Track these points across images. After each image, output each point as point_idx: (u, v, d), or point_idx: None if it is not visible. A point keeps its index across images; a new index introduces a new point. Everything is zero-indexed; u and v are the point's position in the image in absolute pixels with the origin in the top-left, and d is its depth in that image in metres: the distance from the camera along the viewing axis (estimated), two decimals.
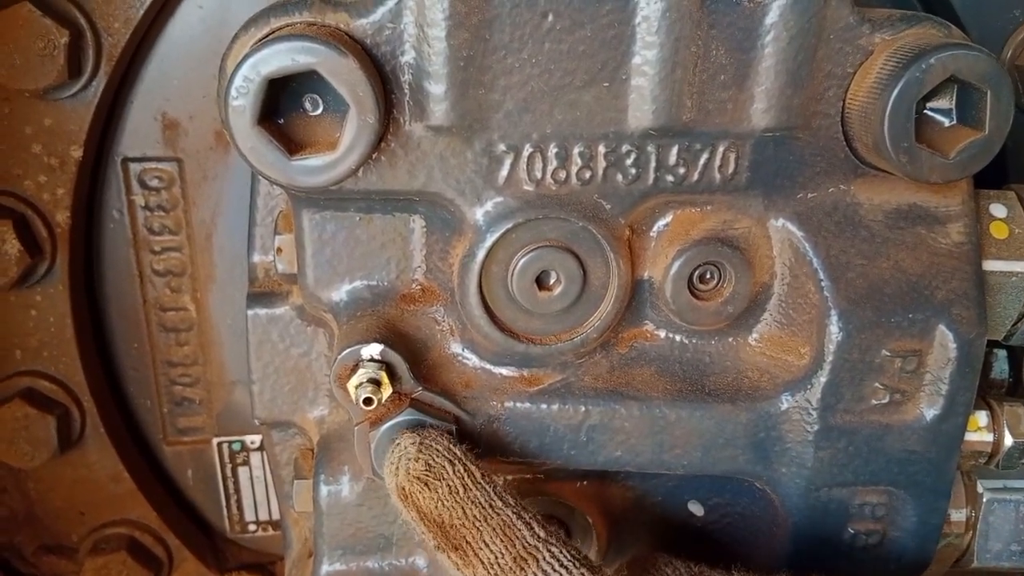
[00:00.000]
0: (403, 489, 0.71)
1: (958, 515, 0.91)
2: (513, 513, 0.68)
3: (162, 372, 1.12)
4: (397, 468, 0.72)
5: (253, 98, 0.64)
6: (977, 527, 0.91)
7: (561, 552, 0.65)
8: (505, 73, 0.68)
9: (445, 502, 0.69)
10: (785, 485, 0.81)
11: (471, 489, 0.70)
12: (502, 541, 0.66)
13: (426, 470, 0.71)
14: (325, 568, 0.86)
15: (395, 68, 0.68)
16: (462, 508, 0.68)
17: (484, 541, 0.66)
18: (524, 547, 0.65)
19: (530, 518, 0.68)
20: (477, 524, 0.67)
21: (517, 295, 0.76)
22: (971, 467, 0.90)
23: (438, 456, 0.72)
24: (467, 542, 0.67)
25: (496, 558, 0.65)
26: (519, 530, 0.66)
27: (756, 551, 0.86)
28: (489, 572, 0.66)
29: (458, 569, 0.68)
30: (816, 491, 0.80)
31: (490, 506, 0.68)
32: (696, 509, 0.89)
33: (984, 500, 0.90)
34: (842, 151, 0.75)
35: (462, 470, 0.71)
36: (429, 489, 0.70)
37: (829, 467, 0.79)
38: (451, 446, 0.73)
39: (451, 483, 0.70)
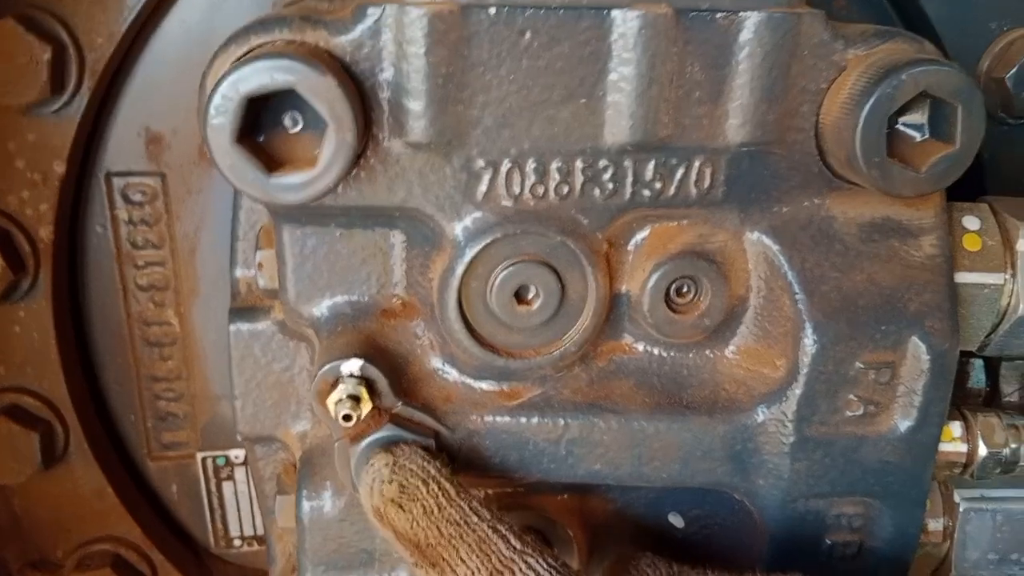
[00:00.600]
0: (378, 510, 0.72)
1: (935, 524, 0.92)
2: (489, 527, 0.68)
3: (146, 387, 1.12)
4: (372, 489, 0.73)
5: (232, 116, 0.64)
6: (955, 536, 0.92)
7: (538, 562, 0.66)
8: (484, 90, 0.69)
9: (420, 522, 0.69)
10: (762, 497, 0.81)
11: (445, 508, 0.70)
12: (478, 557, 0.66)
13: (400, 492, 0.71)
14: None
15: (374, 85, 0.69)
16: (437, 527, 0.69)
17: (460, 558, 0.67)
18: (500, 560, 0.66)
19: (506, 531, 0.68)
20: (453, 542, 0.68)
21: (496, 309, 0.76)
22: (947, 477, 0.91)
23: (411, 476, 0.72)
24: (444, 559, 0.67)
25: (473, 573, 0.66)
26: (495, 544, 0.67)
27: (735, 562, 0.87)
28: None
29: None
30: (793, 502, 0.81)
31: (465, 523, 0.69)
32: (676, 521, 0.90)
33: (961, 509, 0.91)
34: (816, 165, 0.76)
35: (436, 488, 0.71)
36: (403, 510, 0.70)
37: (805, 478, 0.80)
38: (425, 464, 0.73)
39: (425, 503, 0.70)
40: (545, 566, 0.65)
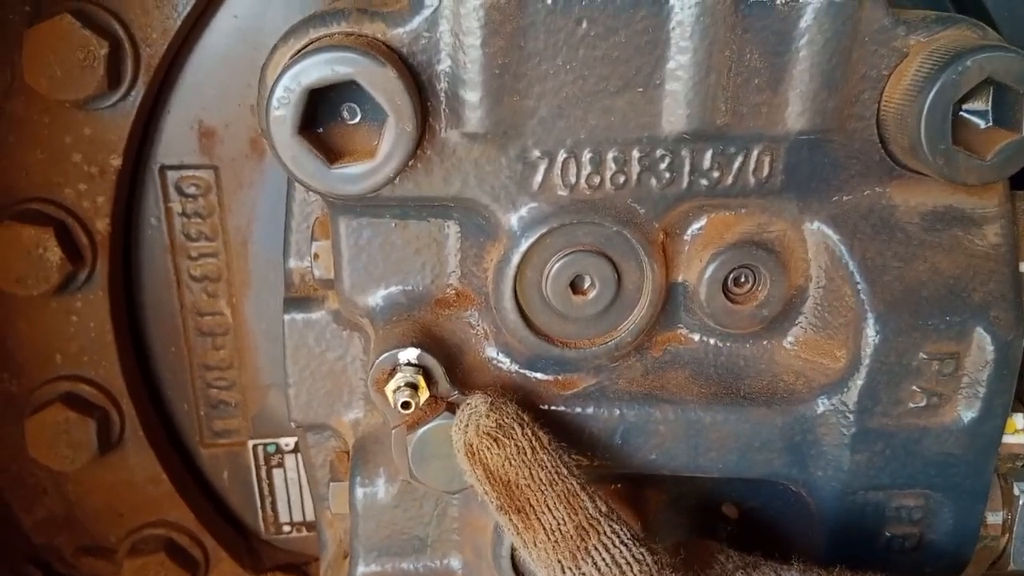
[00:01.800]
0: (471, 446, 0.71)
1: (994, 518, 0.90)
2: (578, 483, 0.68)
3: (199, 376, 1.14)
4: (467, 425, 0.72)
5: (294, 108, 0.64)
6: (1014, 530, 0.90)
7: (622, 529, 0.65)
8: (540, 80, 0.69)
9: (513, 461, 0.69)
10: (821, 488, 0.80)
11: (539, 452, 0.70)
12: (565, 508, 0.66)
13: (496, 427, 0.71)
14: (361, 569, 0.87)
15: (431, 76, 0.69)
16: (529, 469, 0.68)
17: (548, 505, 0.66)
18: (587, 518, 0.65)
19: (593, 492, 0.68)
20: (542, 488, 0.67)
21: (552, 299, 0.76)
22: (1008, 469, 0.89)
23: (507, 417, 0.72)
24: (531, 505, 0.67)
25: (558, 524, 0.66)
26: (583, 500, 0.67)
27: (791, 554, 0.86)
28: (549, 538, 0.66)
29: (518, 533, 0.68)
30: (852, 494, 0.80)
31: (556, 472, 0.69)
32: (731, 512, 0.89)
33: (1021, 503, 0.89)
34: (877, 153, 0.75)
35: (531, 433, 0.71)
36: (498, 446, 0.70)
37: (865, 470, 0.79)
38: (519, 411, 0.74)
39: (519, 443, 0.70)
40: (628, 535, 0.65)
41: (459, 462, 0.73)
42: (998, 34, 0.75)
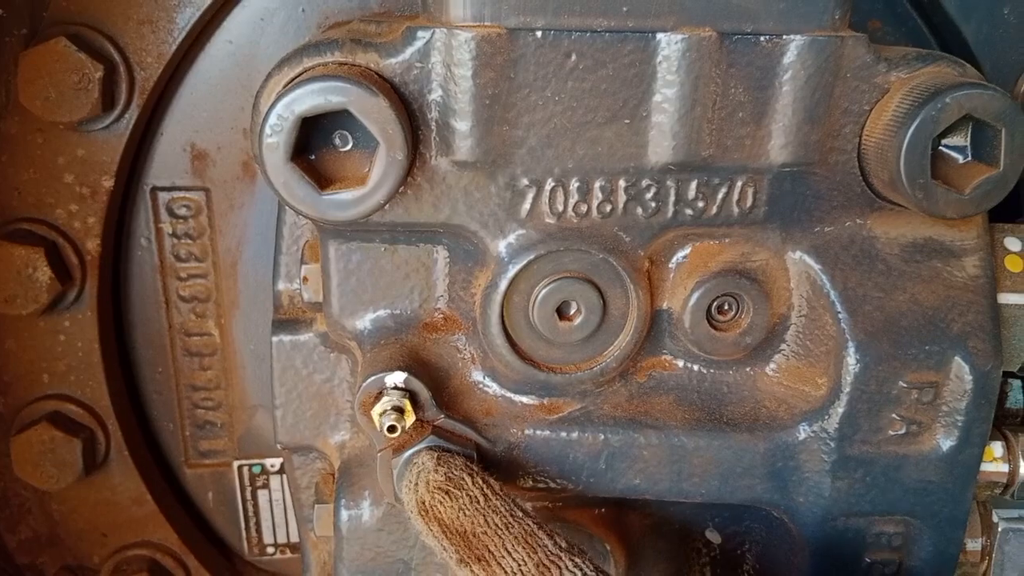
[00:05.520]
0: (423, 503, 0.72)
1: (973, 545, 0.91)
2: (534, 523, 0.68)
3: (185, 396, 1.14)
4: (416, 484, 0.73)
5: (286, 136, 0.66)
6: (992, 556, 0.91)
7: (584, 562, 0.65)
8: (529, 110, 0.70)
9: (467, 511, 0.69)
10: (802, 514, 0.81)
11: (491, 499, 0.70)
12: (524, 549, 0.66)
13: (446, 480, 0.72)
14: None
15: (423, 105, 0.70)
16: (484, 516, 0.69)
17: (507, 549, 0.66)
18: (547, 555, 0.65)
19: (551, 530, 0.68)
20: (499, 532, 0.67)
21: (538, 325, 0.77)
22: (987, 497, 0.91)
23: (456, 469, 0.73)
24: (490, 551, 0.67)
25: (519, 565, 0.65)
26: (541, 539, 0.67)
27: None
28: None
29: None
30: (833, 520, 0.81)
31: (511, 515, 0.69)
32: (713, 537, 0.90)
33: (1000, 530, 0.90)
34: (858, 186, 0.77)
35: (481, 481, 0.72)
36: (451, 498, 0.70)
37: (846, 497, 0.80)
38: (468, 462, 0.74)
39: (471, 493, 0.71)
40: (591, 568, 0.65)
41: (413, 522, 0.73)
42: (979, 71, 0.77)
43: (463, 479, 0.72)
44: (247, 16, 0.99)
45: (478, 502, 0.70)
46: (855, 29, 0.73)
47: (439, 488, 0.71)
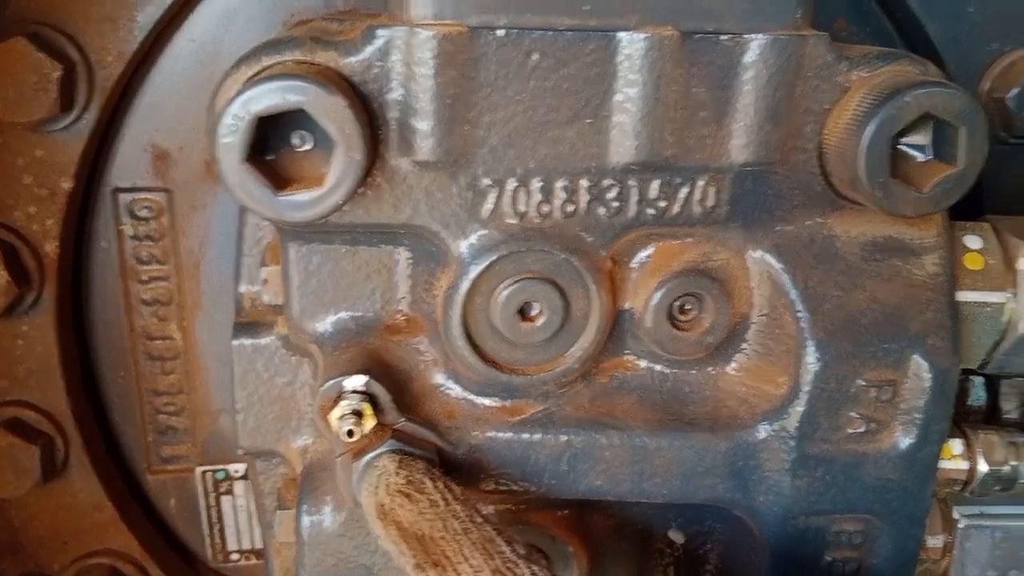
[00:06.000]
0: (382, 506, 0.71)
1: (935, 541, 0.92)
2: (493, 529, 0.68)
3: (147, 401, 1.12)
4: (377, 487, 0.72)
5: (242, 135, 0.65)
6: (954, 553, 0.92)
7: (541, 571, 0.65)
8: (491, 110, 0.70)
9: (426, 514, 0.69)
10: (763, 513, 0.82)
11: (451, 503, 0.70)
12: (482, 555, 0.66)
13: (407, 483, 0.71)
14: None
15: (383, 105, 0.69)
16: (443, 521, 0.68)
17: (464, 554, 0.66)
18: (504, 562, 0.65)
19: (509, 536, 0.68)
20: (457, 537, 0.67)
21: (500, 326, 0.77)
22: (947, 494, 0.91)
23: (418, 472, 0.72)
24: (447, 556, 0.66)
25: (476, 572, 0.65)
26: (499, 545, 0.66)
27: None
28: None
29: None
30: (794, 519, 0.81)
31: (471, 520, 0.68)
32: (676, 537, 0.90)
33: (960, 526, 0.91)
34: (819, 185, 0.77)
35: (442, 486, 0.71)
36: (411, 501, 0.70)
37: (806, 495, 0.80)
38: (430, 466, 0.74)
39: (432, 496, 0.70)
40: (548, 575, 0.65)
41: (372, 526, 0.72)
42: (943, 69, 0.78)
43: (424, 482, 0.71)
44: (210, 14, 0.97)
45: (438, 506, 0.69)
46: (821, 29, 0.73)
47: (399, 491, 0.71)
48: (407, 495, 0.70)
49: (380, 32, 0.68)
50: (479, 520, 0.69)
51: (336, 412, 0.75)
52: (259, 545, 1.19)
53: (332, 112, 0.65)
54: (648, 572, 0.90)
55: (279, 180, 0.68)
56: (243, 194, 0.67)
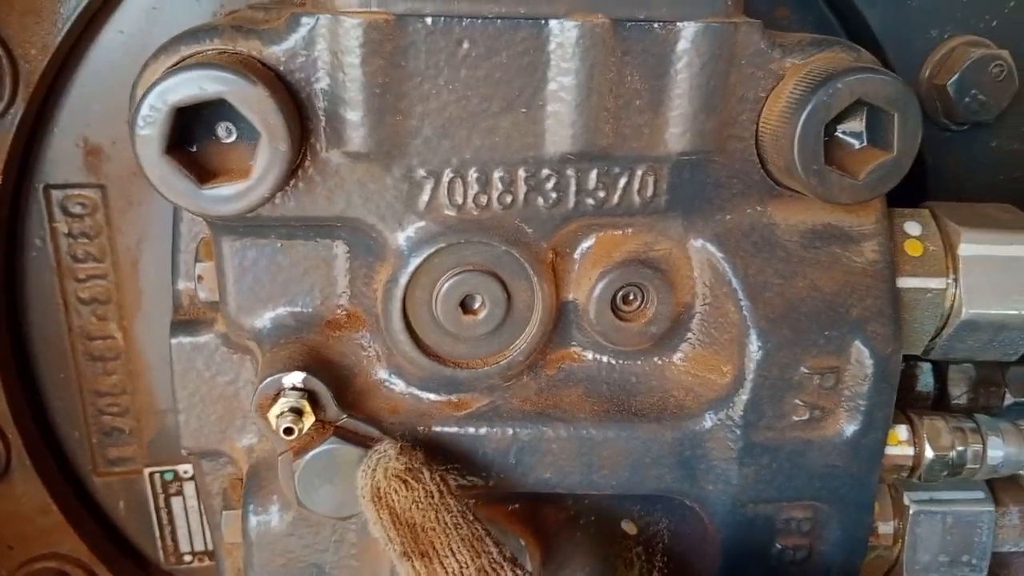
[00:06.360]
0: (378, 489, 0.71)
1: (886, 527, 0.92)
2: (483, 529, 0.68)
3: (90, 402, 1.10)
4: (375, 469, 0.72)
5: (160, 127, 0.63)
6: (905, 539, 0.93)
7: (525, 574, 0.65)
8: (422, 100, 0.69)
9: (420, 504, 0.69)
10: (712, 502, 0.81)
11: (446, 496, 0.70)
12: (469, 552, 0.66)
13: (406, 470, 0.71)
14: None
15: (310, 95, 0.68)
16: (435, 512, 0.68)
17: (452, 549, 0.66)
18: (490, 562, 0.65)
19: (498, 539, 0.68)
20: (447, 531, 0.67)
21: (442, 319, 0.75)
22: (895, 480, 0.92)
23: (416, 461, 0.72)
24: (435, 548, 0.67)
25: (461, 568, 0.65)
26: (487, 545, 0.66)
27: (689, 568, 0.87)
28: None
29: None
30: (742, 507, 0.81)
31: (462, 516, 0.68)
32: (629, 528, 0.90)
33: (911, 512, 0.92)
34: (757, 173, 0.77)
35: (439, 478, 0.71)
36: (407, 488, 0.70)
37: (754, 483, 0.80)
38: (427, 458, 0.74)
39: (428, 487, 0.70)
40: None
41: (364, 508, 0.72)
42: (883, 57, 0.77)
43: (421, 471, 0.71)
44: (138, 5, 0.96)
45: (432, 497, 0.69)
46: (763, 17, 0.73)
47: (397, 476, 0.70)
48: (404, 481, 0.70)
49: (304, 20, 0.66)
50: (471, 518, 0.69)
51: (275, 410, 0.73)
52: (212, 546, 1.18)
53: (254, 102, 0.63)
54: (612, 561, 0.89)
55: (204, 173, 0.66)
56: (165, 188, 0.65)
